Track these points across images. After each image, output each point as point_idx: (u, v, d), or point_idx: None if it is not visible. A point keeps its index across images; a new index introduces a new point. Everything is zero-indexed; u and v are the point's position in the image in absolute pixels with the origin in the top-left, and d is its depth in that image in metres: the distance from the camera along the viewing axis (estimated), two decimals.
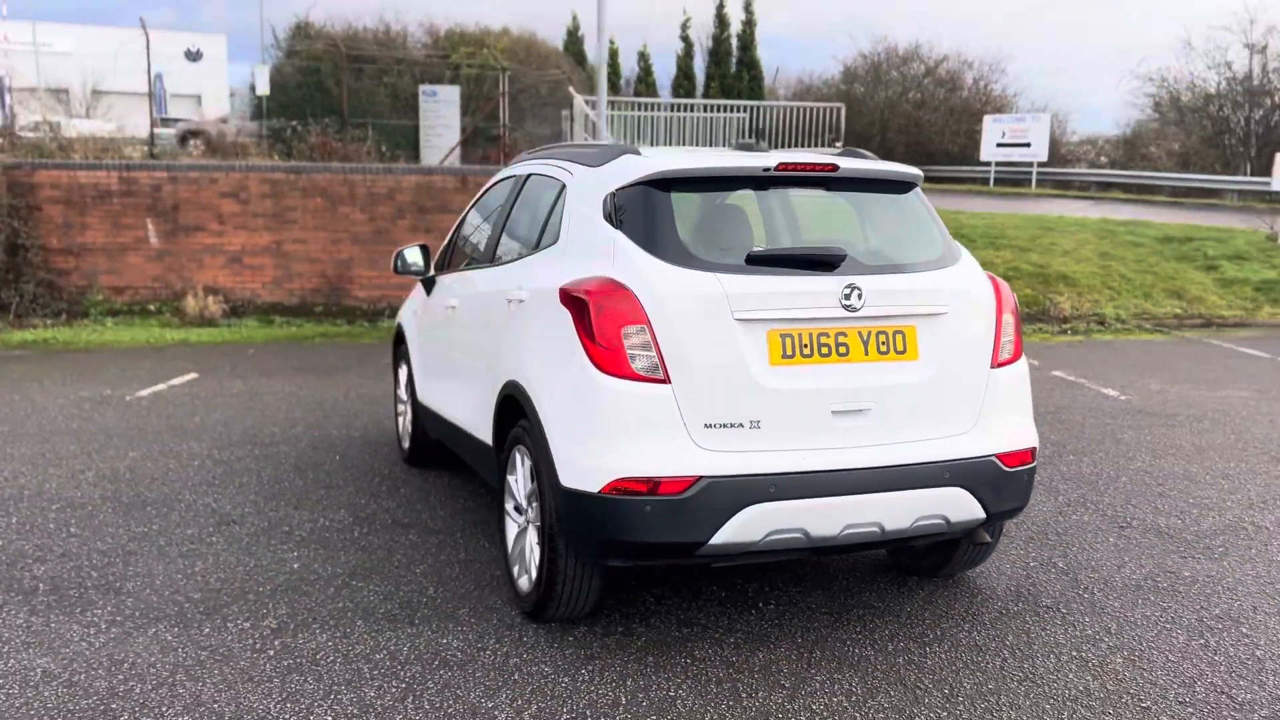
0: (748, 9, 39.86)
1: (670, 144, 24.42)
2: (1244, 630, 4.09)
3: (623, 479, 3.55)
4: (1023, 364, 4.13)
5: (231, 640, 3.94)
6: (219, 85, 44.84)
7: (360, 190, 13.84)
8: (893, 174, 4.17)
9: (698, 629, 4.06)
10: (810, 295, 3.71)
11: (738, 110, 25.31)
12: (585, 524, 3.68)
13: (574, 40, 40.55)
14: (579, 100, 22.32)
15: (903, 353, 3.82)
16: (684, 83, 40.87)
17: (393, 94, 25.81)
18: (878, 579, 4.61)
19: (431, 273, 5.96)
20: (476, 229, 5.63)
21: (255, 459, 6.62)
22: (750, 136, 24.72)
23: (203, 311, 13.10)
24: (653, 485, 3.54)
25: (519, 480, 4.22)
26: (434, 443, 6.23)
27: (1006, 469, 3.92)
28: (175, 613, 4.20)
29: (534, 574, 4.05)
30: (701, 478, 3.54)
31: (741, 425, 3.62)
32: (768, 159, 3.98)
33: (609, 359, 3.61)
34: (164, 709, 3.41)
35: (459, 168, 14.39)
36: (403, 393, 6.63)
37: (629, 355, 3.60)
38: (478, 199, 5.82)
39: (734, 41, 40.96)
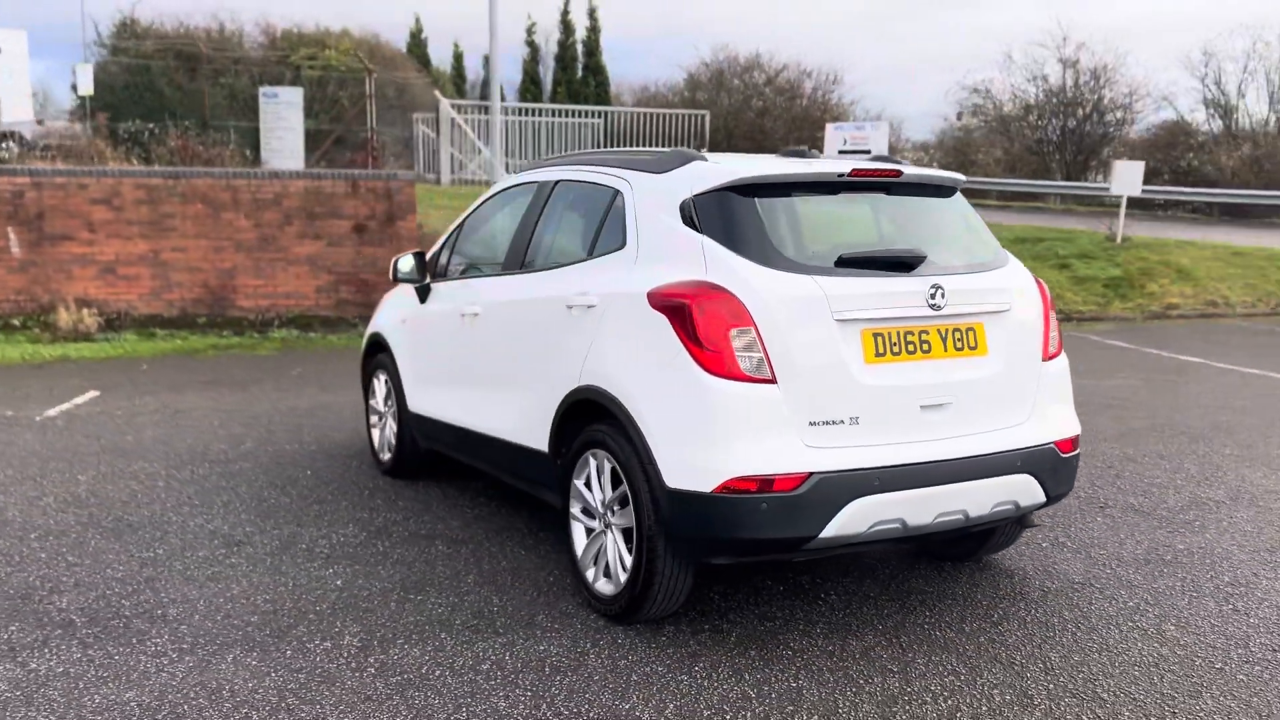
0: (592, 15, 40.14)
1: (537, 150, 24.32)
2: (1260, 595, 4.50)
3: (737, 478, 3.65)
4: (1064, 358, 4.43)
5: (322, 661, 3.82)
6: (19, 84, 42.02)
7: (244, 196, 13.32)
8: (942, 179, 4.40)
9: (778, 622, 4.18)
10: (900, 295, 3.90)
11: (593, 116, 25.48)
12: (695, 524, 3.75)
13: (417, 43, 39.93)
14: (445, 105, 22.03)
15: (975, 349, 4.05)
16: (531, 88, 40.82)
17: (230, 95, 24.83)
18: (915, 566, 4.84)
19: (426, 280, 5.87)
20: (487, 236, 5.59)
21: (222, 477, 6.35)
22: (603, 143, 24.92)
23: (77, 325, 12.34)
24: (765, 483, 3.64)
25: (593, 484, 4.24)
26: (424, 453, 6.13)
27: (1062, 455, 4.20)
28: (241, 637, 4.03)
29: (620, 576, 4.08)
30: (812, 474, 3.66)
31: (842, 422, 3.77)
32: (840, 165, 4.14)
33: (717, 361, 3.70)
34: None
35: (351, 172, 14.01)
36: (380, 404, 6.48)
37: (737, 357, 3.69)
38: (477, 207, 5.77)
39: (579, 48, 41.17)
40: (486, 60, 43.44)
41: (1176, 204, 26.45)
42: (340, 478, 6.36)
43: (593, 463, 4.23)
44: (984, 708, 3.48)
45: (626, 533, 4.10)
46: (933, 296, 3.93)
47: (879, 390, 3.82)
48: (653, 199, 4.23)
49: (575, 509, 4.39)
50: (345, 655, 3.87)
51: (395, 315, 6.23)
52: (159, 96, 24.87)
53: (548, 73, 42.14)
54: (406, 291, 6.15)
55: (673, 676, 3.70)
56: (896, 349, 3.88)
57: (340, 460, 6.78)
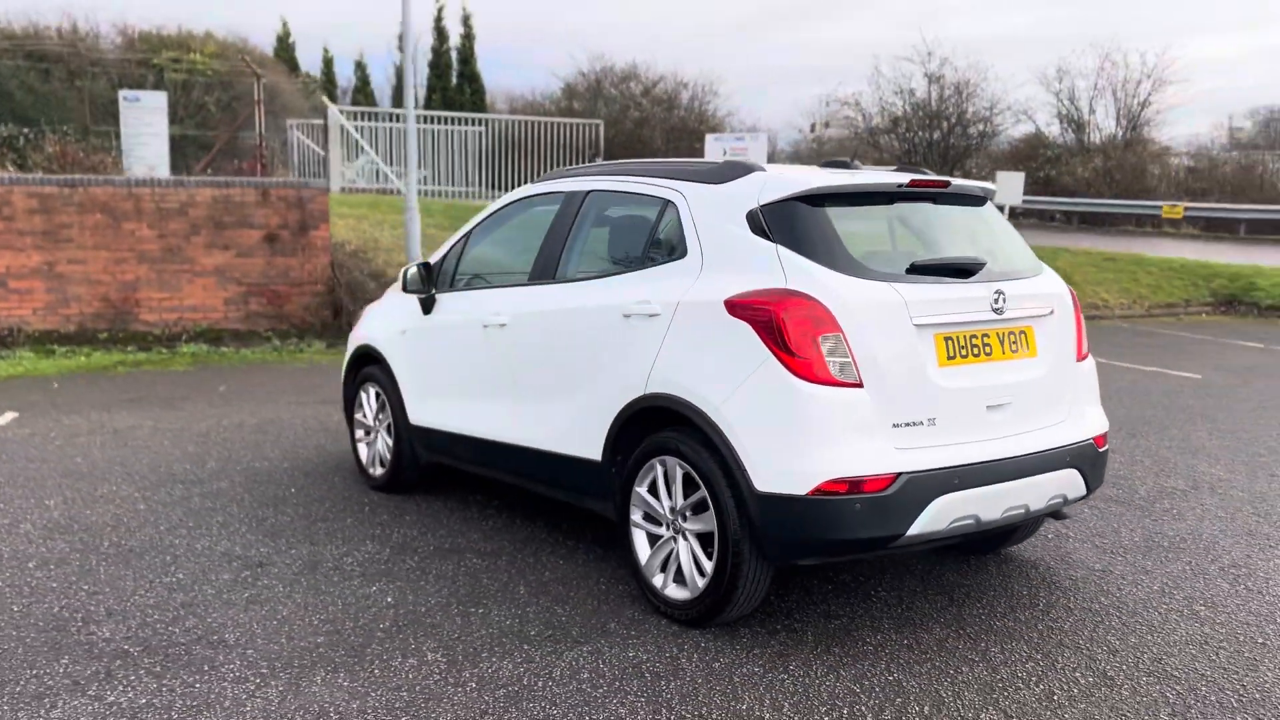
0: (466, 23, 39.84)
1: (422, 159, 23.81)
2: (1262, 575, 4.87)
3: (831, 480, 3.76)
4: (1091, 358, 4.70)
5: (418, 678, 3.76)
6: None
7: (148, 205, 12.79)
8: (979, 189, 4.62)
9: (845, 619, 4.31)
10: (969, 301, 4.09)
11: (474, 123, 25.14)
12: (788, 526, 3.84)
13: (284, 47, 38.89)
14: (334, 110, 21.53)
15: (1027, 351, 4.27)
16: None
17: (88, 99, 23.70)
18: (944, 560, 5.04)
19: (431, 292, 5.80)
20: (505, 247, 5.57)
21: (204, 498, 6.12)
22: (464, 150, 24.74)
23: None
24: (857, 484, 3.77)
25: (660, 491, 4.28)
26: (422, 467, 6.06)
27: (1098, 450, 4.47)
28: (318, 658, 3.93)
29: (698, 581, 4.14)
30: (900, 474, 3.81)
31: (921, 423, 3.93)
32: (899, 176, 4.31)
33: (807, 367, 3.81)
34: None
35: (262, 180, 13.61)
36: (369, 418, 6.36)
37: (826, 362, 3.81)
38: (487, 218, 5.73)
39: (454, 55, 40.78)
40: (359, 65, 42.41)
41: (1038, 213, 27.89)
42: (330, 495, 6.20)
43: (660, 469, 4.28)
44: (1075, 690, 3.68)
45: (702, 538, 4.16)
46: (996, 302, 4.14)
47: (952, 392, 4.00)
48: (714, 208, 4.32)
49: (636, 516, 4.43)
50: (438, 671, 3.82)
51: (391, 327, 6.11)
52: (8, 100, 23.50)
53: (421, 79, 41.51)
54: (402, 303, 6.06)
55: (773, 676, 3.78)
56: (965, 352, 4.07)
57: (321, 477, 6.61)
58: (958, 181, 4.52)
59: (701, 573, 4.15)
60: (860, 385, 3.84)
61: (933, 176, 4.42)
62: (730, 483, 3.96)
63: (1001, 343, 4.19)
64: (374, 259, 14.71)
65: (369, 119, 22.77)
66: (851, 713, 3.52)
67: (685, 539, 4.23)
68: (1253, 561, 5.05)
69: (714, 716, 3.49)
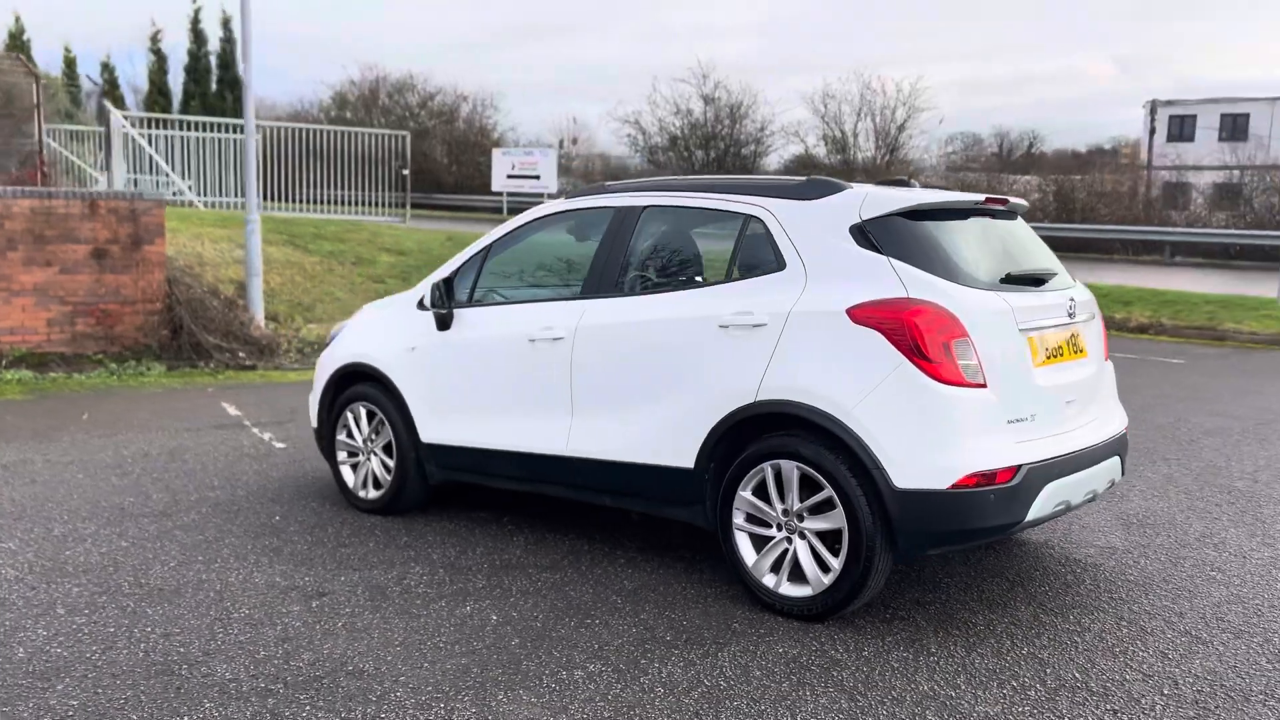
0: (226, 26, 38.01)
1: (187, 168, 22.32)
2: (1237, 547, 5.60)
3: (970, 474, 4.09)
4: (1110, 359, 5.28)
5: (601, 687, 3.79)
6: None
7: None
8: (1019, 205, 5.09)
9: (935, 608, 4.63)
10: (1052, 308, 4.54)
11: (228, 132, 23.86)
12: (929, 519, 4.14)
13: (18, 44, 35.65)
14: (116, 116, 20.04)
15: (1082, 352, 4.77)
16: (159, 99, 37.79)
17: None
18: (967, 550, 5.48)
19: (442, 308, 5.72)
20: (540, 262, 5.57)
21: (187, 530, 5.73)
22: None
23: None
24: (989, 477, 4.12)
25: (770, 493, 4.46)
26: (430, 486, 5.94)
27: (1126, 438, 5.04)
28: (484, 678, 3.88)
29: (822, 578, 4.35)
30: (1021, 465, 4.19)
31: (1025, 419, 4.33)
32: (974, 195, 4.71)
33: (941, 370, 4.12)
34: None
35: (90, 191, 12.59)
36: (358, 439, 6.15)
37: (960, 365, 4.14)
38: (509, 234, 5.68)
39: (213, 59, 38.75)
40: (106, 66, 39.48)
41: None
42: (323, 520, 5.95)
43: (769, 472, 4.46)
44: (1176, 652, 4.17)
45: (823, 536, 4.37)
46: (1070, 308, 4.61)
47: (1045, 390, 4.43)
48: (810, 223, 4.56)
49: (738, 519, 4.59)
50: (614, 679, 3.85)
51: (394, 345, 5.93)
52: None
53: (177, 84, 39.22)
54: (405, 319, 5.93)
55: (924, 658, 4.06)
56: (1050, 354, 4.51)
57: (293, 503, 6.31)
58: (1012, 199, 4.98)
59: (824, 569, 4.36)
60: (985, 386, 4.19)
61: (996, 195, 4.85)
62: (863, 481, 4.20)
63: (1069, 345, 4.67)
64: (203, 274, 13.91)
65: (159, 126, 21.30)
66: (1019, 684, 3.85)
67: (803, 538, 4.42)
68: (1226, 530, 5.79)
69: (906, 699, 3.72)
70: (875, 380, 4.21)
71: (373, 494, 6.09)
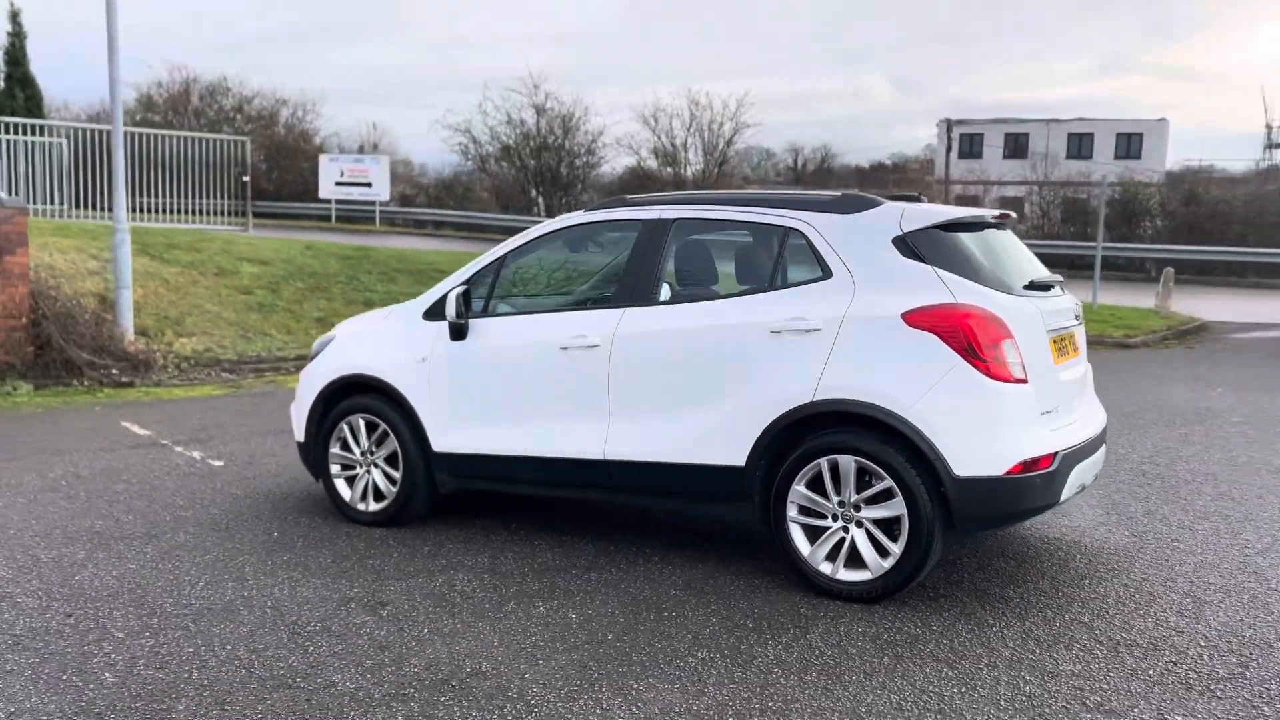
0: (15, 20, 35.48)
1: (14, 171, 20.81)
2: (1179, 521, 6.33)
3: (1021, 461, 4.56)
4: None
5: (730, 674, 4.01)
6: None
7: None
8: (1013, 221, 5.62)
9: (967, 586, 5.08)
10: (1065, 310, 5.09)
11: (39, 134, 22.48)
12: (984, 503, 4.58)
13: None
14: None
15: (1077, 350, 5.34)
16: None
17: None
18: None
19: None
20: (572, 273, 5.72)
21: (187, 550, 5.58)
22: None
23: None
24: (1034, 463, 4.61)
25: (826, 486, 4.80)
26: (439, 496, 5.99)
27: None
28: (612, 671, 4.03)
29: (881, 562, 4.71)
30: (1057, 452, 4.70)
31: (1052, 410, 4.84)
32: (990, 210, 5.19)
33: (993, 368, 4.58)
34: None
35: None
36: (355, 452, 6.11)
37: (1007, 364, 4.60)
38: (524, 246, 5.80)
39: (0, 55, 36.08)
40: None
41: None
42: (325, 533, 5.88)
43: (827, 466, 4.80)
44: (1189, 610, 4.75)
45: (880, 523, 4.74)
46: (1076, 310, 5.16)
47: (1062, 384, 4.96)
48: (853, 235, 4.93)
49: (792, 512, 4.90)
50: (733, 665, 4.08)
51: (401, 355, 5.93)
52: None
53: None
54: (410, 329, 5.96)
55: (987, 631, 4.48)
56: (1062, 352, 5.04)
57: (282, 518, 6.20)
58: (1010, 214, 5.51)
59: (883, 554, 4.72)
60: (1026, 381, 4.67)
61: (1004, 211, 5.35)
62: (923, 471, 4.59)
63: (1071, 344, 5.22)
64: (60, 287, 13.11)
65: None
66: (1082, 646, 4.31)
67: (860, 526, 4.78)
68: (1202, 523, 6.52)
69: (998, 664, 4.12)
70: (933, 379, 4.61)
71: (373, 506, 6.07)
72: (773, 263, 5.13)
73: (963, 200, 39.38)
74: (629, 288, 5.39)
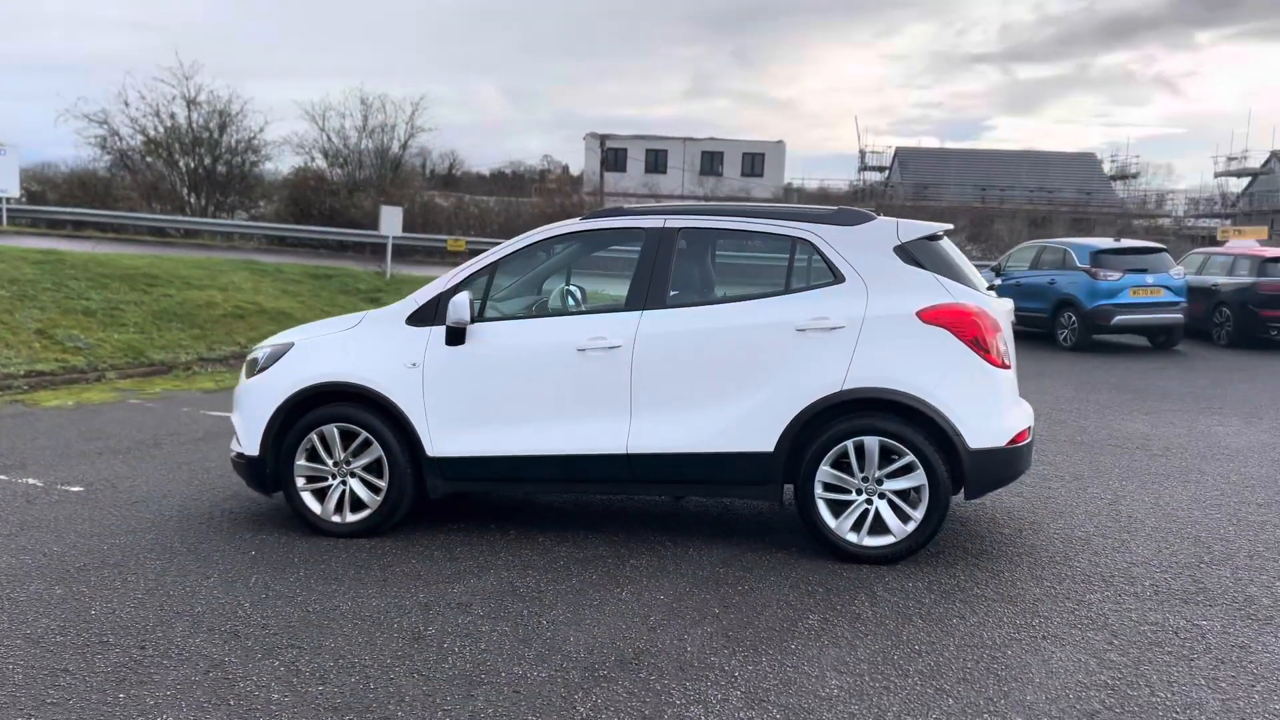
0: None
1: None
2: (1108, 487, 7.60)
3: (1017, 434, 5.49)
4: None
5: (862, 626, 4.56)
6: None
7: None
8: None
9: (975, 555, 5.94)
10: (1011, 311, 6.06)
11: None
12: (992, 471, 5.44)
13: None
14: None
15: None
16: None
17: None
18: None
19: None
20: (565, 278, 5.95)
21: (181, 576, 5.25)
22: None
23: None
24: (1023, 434, 5.55)
25: (852, 465, 5.46)
26: (426, 501, 6.02)
27: None
28: (744, 640, 4.44)
29: (903, 527, 5.43)
30: (1030, 426, 5.67)
31: (1016, 392, 5.82)
32: (943, 225, 6.05)
33: (992, 356, 5.46)
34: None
35: None
36: (327, 463, 5.96)
37: (1001, 353, 5.50)
38: (518, 252, 5.95)
39: None
40: None
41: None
42: (313, 549, 5.70)
43: (852, 446, 5.46)
44: (1182, 556, 5.89)
45: (901, 494, 5.47)
46: (1015, 311, 6.18)
47: (1014, 370, 5.95)
48: (858, 245, 5.62)
49: (818, 490, 5.52)
50: (859, 637, 4.64)
51: (389, 361, 5.83)
52: None
53: None
54: (387, 335, 5.92)
55: (997, 587, 5.35)
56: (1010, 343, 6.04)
57: (241, 536, 5.91)
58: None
59: (904, 520, 5.46)
60: (1010, 367, 5.60)
61: (948, 225, 6.26)
62: (940, 446, 5.38)
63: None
64: None
65: None
66: (1113, 590, 5.16)
67: (882, 498, 5.48)
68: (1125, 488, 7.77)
69: (1075, 617, 4.95)
70: (948, 367, 5.41)
71: (352, 517, 5.93)
72: (786, 269, 5.71)
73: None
74: (643, 292, 5.73)
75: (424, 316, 5.92)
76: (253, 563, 5.45)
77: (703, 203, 6.78)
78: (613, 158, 51.46)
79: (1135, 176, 53.31)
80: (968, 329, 5.42)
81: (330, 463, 5.95)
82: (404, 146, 33.98)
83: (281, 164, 34.35)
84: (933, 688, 4.01)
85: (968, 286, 5.63)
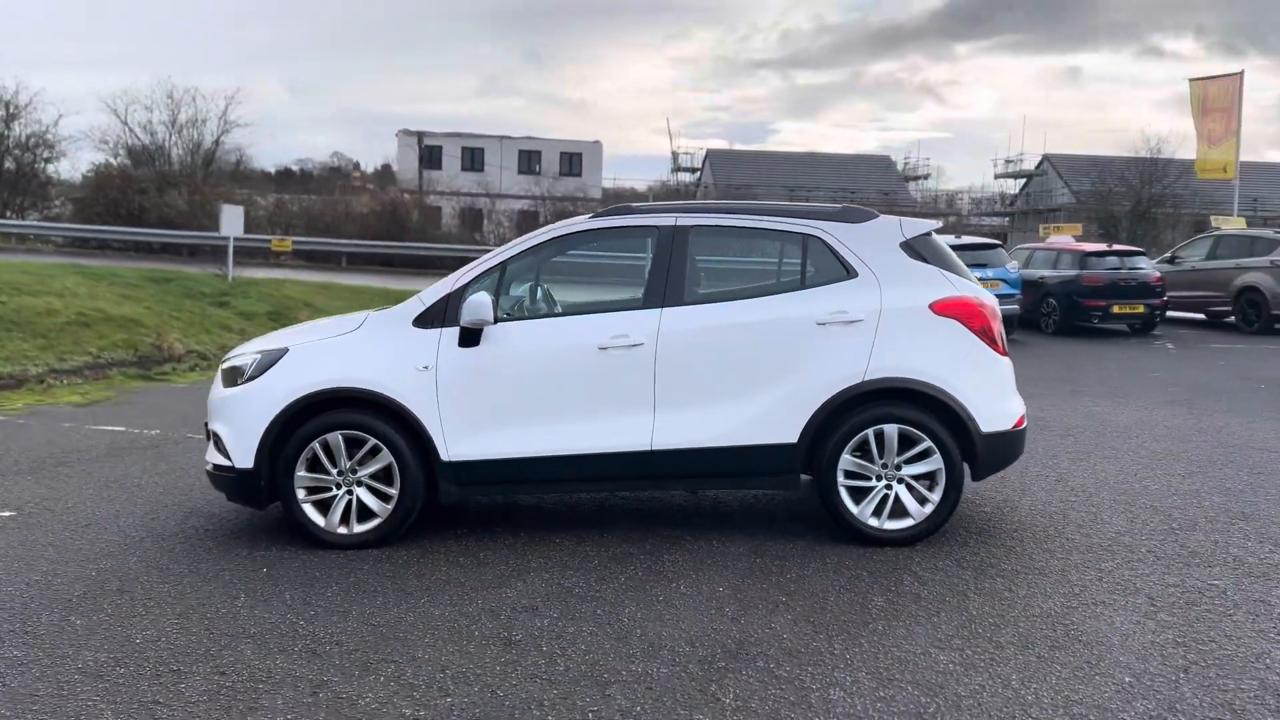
0: None
1: None
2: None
3: (1019, 417, 5.86)
4: None
5: (938, 589, 4.78)
6: None
7: None
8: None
9: (984, 532, 6.26)
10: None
11: None
12: (999, 453, 5.78)
13: None
14: None
15: None
16: None
17: None
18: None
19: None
20: (579, 276, 5.93)
21: (205, 602, 4.99)
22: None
23: None
24: (1021, 419, 5.93)
25: (872, 451, 5.67)
26: (438, 506, 5.90)
27: None
28: (857, 616, 4.59)
29: (921, 509, 5.69)
30: (1024, 412, 6.06)
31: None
32: (935, 221, 6.36)
33: (997, 345, 5.80)
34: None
35: None
36: (331, 472, 5.73)
37: (1002, 342, 5.86)
38: (527, 252, 5.89)
39: None
40: None
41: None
42: (329, 564, 5.49)
43: (873, 434, 5.68)
44: (1169, 523, 6.36)
45: (918, 478, 5.72)
46: None
47: None
48: (866, 242, 5.84)
49: (840, 479, 5.72)
50: (953, 597, 4.85)
51: (397, 365, 5.65)
52: None
53: None
54: (394, 338, 5.75)
55: (1061, 560, 5.69)
56: None
57: (233, 550, 5.64)
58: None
59: (922, 502, 5.72)
60: (1008, 355, 5.96)
61: (941, 223, 6.59)
62: (955, 431, 5.67)
63: None
64: None
65: None
66: (1129, 557, 5.57)
67: (901, 483, 5.73)
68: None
69: (1099, 583, 5.33)
70: (960, 356, 5.71)
71: (360, 528, 5.72)
72: (799, 265, 5.87)
73: (429, 210, 40.89)
74: (660, 289, 5.77)
75: (432, 318, 5.77)
76: (271, 579, 5.18)
77: (714, 201, 6.84)
78: (428, 155, 50.52)
79: (926, 178, 56.70)
80: (976, 319, 5.74)
81: (334, 472, 5.71)
82: (217, 143, 32.28)
83: (79, 161, 31.92)
84: (1034, 656, 4.25)
85: (965, 279, 5.95)
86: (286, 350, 5.87)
